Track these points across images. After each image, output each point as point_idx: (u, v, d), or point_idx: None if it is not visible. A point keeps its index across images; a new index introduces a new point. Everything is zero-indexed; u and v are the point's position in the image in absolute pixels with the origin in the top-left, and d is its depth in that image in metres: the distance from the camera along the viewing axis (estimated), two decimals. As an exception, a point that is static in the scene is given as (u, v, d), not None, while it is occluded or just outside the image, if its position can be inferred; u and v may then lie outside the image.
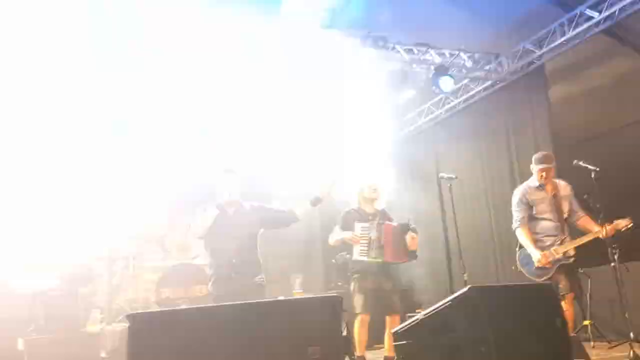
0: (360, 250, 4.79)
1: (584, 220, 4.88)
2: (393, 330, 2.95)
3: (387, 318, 4.80)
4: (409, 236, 4.84)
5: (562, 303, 4.55)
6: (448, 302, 2.56)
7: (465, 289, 2.56)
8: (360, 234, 4.80)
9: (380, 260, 4.75)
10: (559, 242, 4.79)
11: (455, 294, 2.58)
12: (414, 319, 2.75)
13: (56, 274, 7.39)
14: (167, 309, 5.63)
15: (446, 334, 2.55)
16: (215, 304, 3.44)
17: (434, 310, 2.64)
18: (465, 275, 4.35)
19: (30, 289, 7.22)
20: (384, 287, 4.82)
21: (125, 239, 6.77)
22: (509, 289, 2.71)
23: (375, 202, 5.08)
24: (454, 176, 5.10)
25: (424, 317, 2.66)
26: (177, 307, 5.59)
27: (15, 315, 5.65)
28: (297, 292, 7.59)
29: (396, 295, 4.90)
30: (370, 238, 4.78)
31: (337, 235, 4.95)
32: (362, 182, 5.14)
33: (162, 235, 7.82)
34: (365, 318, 4.73)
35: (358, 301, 4.76)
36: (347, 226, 4.91)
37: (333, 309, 2.20)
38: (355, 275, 4.85)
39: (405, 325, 2.84)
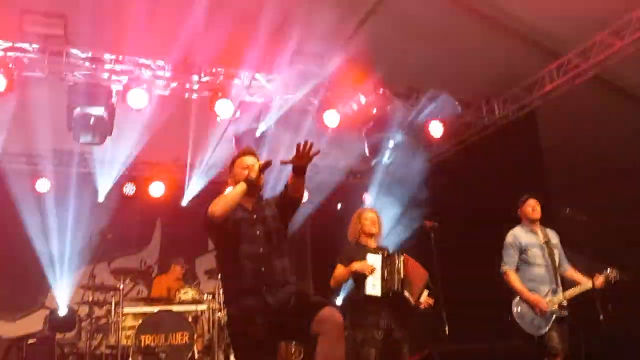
0: (373, 284, 4.14)
1: (572, 271, 4.77)
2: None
3: None
4: (426, 292, 4.30)
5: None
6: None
7: (425, 352, 2.44)
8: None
9: (406, 293, 4.12)
10: (552, 291, 4.65)
11: (415, 357, 2.47)
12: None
13: (41, 319, 7.34)
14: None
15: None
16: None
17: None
18: (446, 328, 4.16)
19: (14, 333, 7.16)
20: (394, 336, 4.15)
21: (111, 278, 6.69)
22: (474, 350, 2.59)
23: (376, 236, 4.49)
24: (436, 224, 4.91)
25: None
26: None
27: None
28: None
29: (406, 345, 4.17)
30: (386, 269, 4.16)
31: (341, 270, 4.25)
32: (358, 214, 4.55)
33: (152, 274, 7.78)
34: None
35: (368, 356, 4.03)
36: (350, 261, 4.24)
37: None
38: (368, 320, 4.12)
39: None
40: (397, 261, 4.26)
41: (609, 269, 4.54)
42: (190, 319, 5.94)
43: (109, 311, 6.29)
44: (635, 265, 4.63)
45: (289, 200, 3.22)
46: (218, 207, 3.05)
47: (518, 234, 4.86)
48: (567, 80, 6.31)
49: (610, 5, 5.56)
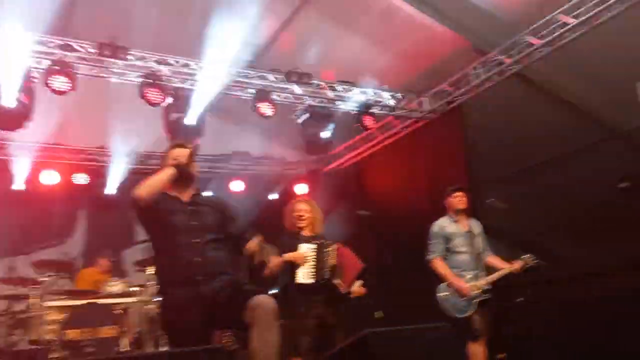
0: (306, 272, 4.22)
1: (493, 258, 5.06)
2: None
3: None
4: (359, 283, 4.44)
5: (476, 344, 4.64)
6: (344, 346, 2.52)
7: (361, 333, 2.52)
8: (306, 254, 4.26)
9: (336, 281, 4.24)
10: (475, 276, 4.89)
11: (352, 339, 2.54)
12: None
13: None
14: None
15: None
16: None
17: (330, 356, 2.59)
18: (376, 313, 4.31)
19: None
20: (327, 322, 4.29)
21: (32, 271, 6.31)
22: (407, 331, 2.70)
23: (311, 225, 4.51)
24: (369, 213, 5.07)
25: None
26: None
27: None
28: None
29: (339, 331, 4.28)
30: (319, 258, 4.26)
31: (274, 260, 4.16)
32: (291, 205, 4.62)
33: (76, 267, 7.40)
34: None
35: (302, 343, 4.13)
36: (285, 251, 4.22)
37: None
38: (301, 309, 4.23)
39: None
40: (329, 250, 4.36)
41: (526, 255, 4.86)
42: (118, 312, 5.74)
43: (29, 305, 5.96)
44: (551, 251, 4.97)
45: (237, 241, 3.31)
46: (143, 189, 3.01)
47: (443, 224, 5.08)
48: (491, 77, 6.63)
49: (532, 6, 5.89)
